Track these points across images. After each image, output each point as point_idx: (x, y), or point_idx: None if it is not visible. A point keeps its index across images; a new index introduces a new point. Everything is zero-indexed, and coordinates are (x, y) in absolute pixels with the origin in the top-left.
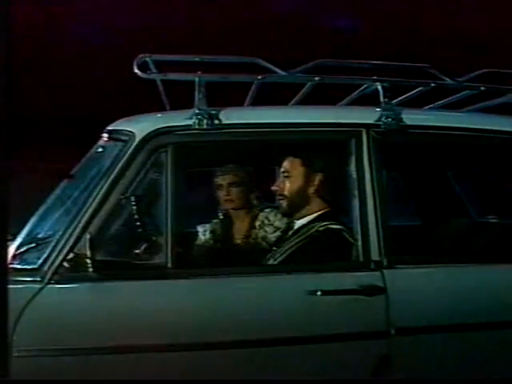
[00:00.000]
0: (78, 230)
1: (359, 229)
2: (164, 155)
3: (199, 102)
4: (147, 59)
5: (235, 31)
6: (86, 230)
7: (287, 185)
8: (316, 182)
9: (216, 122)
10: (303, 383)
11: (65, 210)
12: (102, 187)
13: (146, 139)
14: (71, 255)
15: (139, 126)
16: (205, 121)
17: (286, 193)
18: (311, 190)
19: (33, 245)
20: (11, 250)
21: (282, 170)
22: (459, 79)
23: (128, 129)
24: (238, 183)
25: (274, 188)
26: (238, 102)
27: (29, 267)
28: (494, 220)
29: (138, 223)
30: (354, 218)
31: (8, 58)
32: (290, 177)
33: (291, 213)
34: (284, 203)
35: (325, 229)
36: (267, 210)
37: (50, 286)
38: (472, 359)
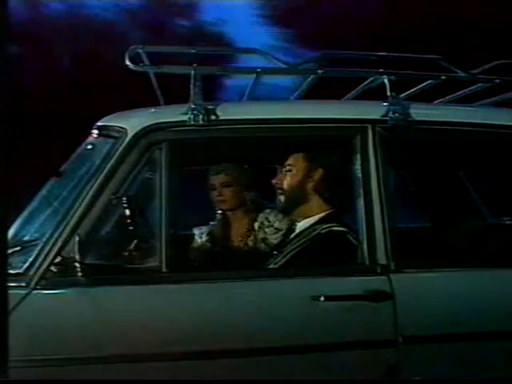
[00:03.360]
0: (66, 232)
1: (365, 231)
2: (158, 153)
3: (195, 96)
4: (139, 51)
5: None
6: (74, 232)
7: (287, 179)
8: (315, 178)
9: (213, 117)
10: (303, 383)
11: (52, 211)
12: (91, 187)
13: (139, 136)
14: (59, 259)
15: (131, 122)
16: (201, 116)
17: (286, 187)
18: (310, 185)
19: (18, 248)
20: None
21: (284, 164)
22: (472, 71)
23: (119, 125)
24: (231, 183)
25: (273, 181)
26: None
27: (13, 272)
28: (508, 221)
29: (130, 225)
30: (359, 219)
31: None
32: (291, 171)
33: (289, 209)
34: (282, 198)
35: (328, 231)
36: (267, 211)
37: (37, 291)
38: (486, 371)
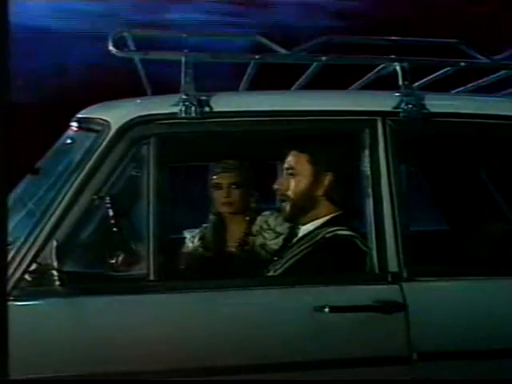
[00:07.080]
0: (42, 236)
1: (374, 235)
2: (145, 148)
3: (186, 85)
4: (125, 34)
5: None
6: (52, 235)
7: (292, 184)
8: (326, 183)
9: (206, 109)
10: (304, 383)
11: (27, 212)
12: (71, 185)
13: (124, 129)
14: (34, 266)
15: (115, 114)
16: (193, 108)
17: (290, 193)
18: (320, 191)
19: None
20: None
21: (286, 166)
22: (495, 57)
23: (102, 117)
24: (241, 183)
25: (275, 186)
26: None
27: None
28: None
29: (115, 228)
30: (367, 222)
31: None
32: (296, 175)
33: (295, 217)
34: (287, 206)
35: (333, 235)
36: (266, 213)
37: (9, 303)
38: None
